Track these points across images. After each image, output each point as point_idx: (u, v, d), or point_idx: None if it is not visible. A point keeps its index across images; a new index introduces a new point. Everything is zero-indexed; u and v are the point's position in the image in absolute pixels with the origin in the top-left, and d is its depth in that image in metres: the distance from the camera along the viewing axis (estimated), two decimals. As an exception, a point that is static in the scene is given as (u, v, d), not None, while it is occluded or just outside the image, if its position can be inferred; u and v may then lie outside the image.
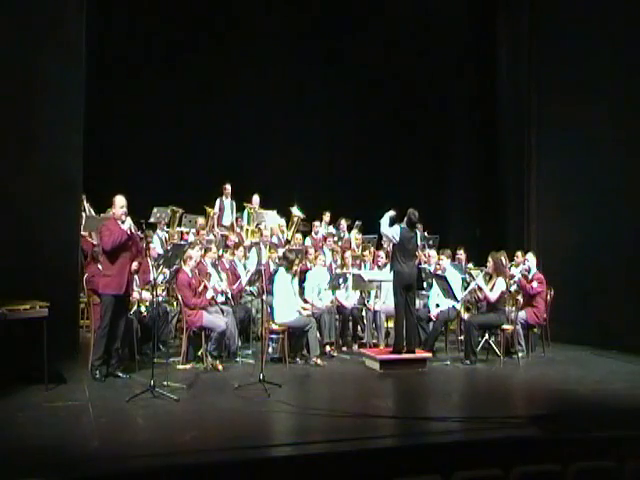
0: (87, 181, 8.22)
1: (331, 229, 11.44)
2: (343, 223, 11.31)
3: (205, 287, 7.65)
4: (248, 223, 10.99)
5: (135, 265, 6.77)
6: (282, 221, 10.89)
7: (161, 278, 8.27)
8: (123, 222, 6.62)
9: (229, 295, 8.40)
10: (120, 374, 6.68)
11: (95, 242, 8.29)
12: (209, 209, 10.82)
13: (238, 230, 10.83)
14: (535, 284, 8.57)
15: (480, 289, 8.29)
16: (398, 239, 7.77)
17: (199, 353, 7.52)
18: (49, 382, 6.13)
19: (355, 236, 11.09)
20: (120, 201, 6.68)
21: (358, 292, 9.05)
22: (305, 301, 8.37)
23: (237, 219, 11.14)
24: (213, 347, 7.38)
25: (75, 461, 4.38)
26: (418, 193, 12.68)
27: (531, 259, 8.91)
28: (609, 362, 8.45)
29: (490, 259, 8.24)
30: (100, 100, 10.18)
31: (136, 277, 7.94)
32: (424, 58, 13.02)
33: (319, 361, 7.81)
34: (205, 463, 4.39)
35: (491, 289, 8.12)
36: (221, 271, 8.40)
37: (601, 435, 5.01)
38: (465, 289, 8.76)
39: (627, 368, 8.03)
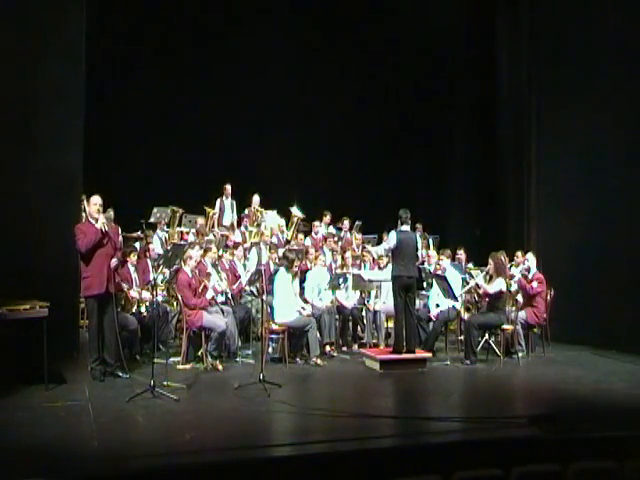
0: (87, 181, 8.22)
1: (331, 229, 11.44)
2: (346, 223, 11.30)
3: (205, 287, 7.65)
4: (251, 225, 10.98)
5: (114, 262, 6.66)
6: (282, 221, 10.88)
7: (161, 278, 8.28)
8: (96, 221, 6.57)
9: (229, 295, 8.40)
10: (120, 374, 6.68)
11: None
12: (209, 209, 10.82)
13: (243, 229, 10.81)
14: (535, 284, 8.57)
15: (478, 287, 8.29)
16: (395, 243, 7.76)
17: (199, 353, 7.53)
18: (49, 382, 6.13)
19: (355, 236, 11.09)
20: (94, 199, 6.65)
21: (358, 292, 9.05)
22: (305, 301, 8.37)
23: (243, 218, 11.12)
24: (213, 347, 7.39)
25: (75, 461, 4.38)
26: (418, 193, 12.72)
27: (531, 259, 8.91)
28: (609, 362, 8.45)
29: (490, 260, 8.24)
30: (100, 100, 10.18)
31: (136, 277, 7.96)
32: (424, 58, 13.03)
33: (319, 361, 7.81)
34: (205, 463, 4.39)
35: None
36: (221, 271, 8.40)
37: (601, 435, 5.01)
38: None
39: (627, 368, 8.03)
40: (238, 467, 4.37)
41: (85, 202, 8.75)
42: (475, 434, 5.25)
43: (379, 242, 10.55)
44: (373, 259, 9.53)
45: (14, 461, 4.34)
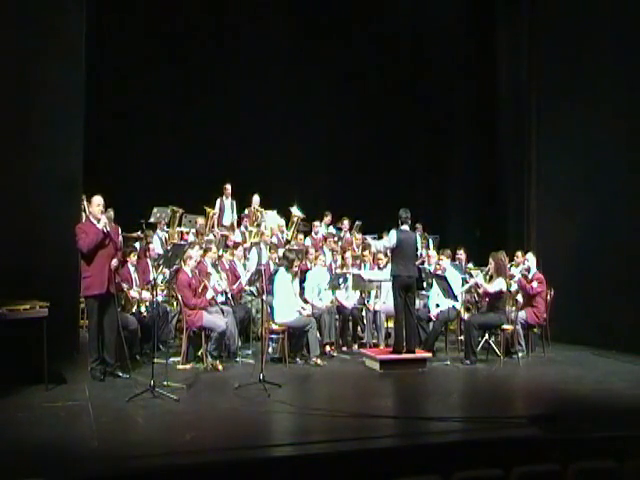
0: (87, 181, 8.22)
1: (331, 229, 11.44)
2: (346, 223, 11.31)
3: (205, 287, 7.65)
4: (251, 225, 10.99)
5: (115, 262, 6.68)
6: (282, 221, 10.89)
7: (161, 278, 8.27)
8: (98, 221, 6.58)
9: (229, 295, 8.40)
10: (120, 374, 6.69)
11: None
12: (209, 209, 10.82)
13: (243, 229, 10.81)
14: (535, 284, 8.57)
15: (479, 286, 8.28)
16: (395, 242, 7.77)
17: (199, 353, 7.53)
18: (49, 382, 6.13)
19: (355, 236, 11.09)
20: (97, 200, 6.65)
21: (358, 292, 9.05)
22: (305, 301, 8.37)
23: (243, 218, 11.13)
24: (213, 347, 7.39)
25: (75, 461, 4.38)
26: (418, 193, 12.73)
27: (531, 259, 8.91)
28: (609, 362, 8.45)
29: (491, 259, 8.23)
30: (100, 100, 10.18)
31: (136, 277, 7.96)
32: (424, 59, 13.03)
33: (319, 361, 7.81)
34: (205, 463, 4.39)
35: (490, 288, 8.13)
36: (221, 271, 8.40)
37: (601, 435, 5.01)
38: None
39: (627, 368, 8.03)
40: (238, 467, 4.37)
41: (85, 202, 8.77)
42: (475, 434, 5.25)
43: (379, 242, 10.56)
44: (373, 258, 9.54)
45: (14, 461, 4.34)
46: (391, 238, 7.85)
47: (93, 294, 6.54)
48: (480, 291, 8.46)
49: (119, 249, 6.92)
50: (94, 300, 6.56)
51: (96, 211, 6.61)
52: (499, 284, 8.05)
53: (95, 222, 6.58)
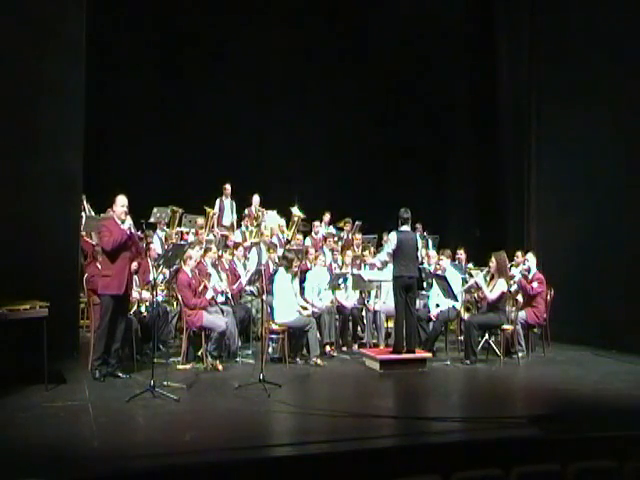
0: (87, 181, 8.22)
1: (331, 229, 11.44)
2: (349, 227, 11.32)
3: (205, 287, 7.65)
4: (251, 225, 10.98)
5: (135, 265, 6.76)
6: (282, 221, 10.89)
7: (161, 278, 8.28)
8: (123, 222, 6.63)
9: (229, 295, 8.40)
10: (120, 374, 6.68)
11: (94, 242, 8.30)
12: (209, 209, 10.82)
13: (243, 229, 10.81)
14: (535, 284, 8.57)
15: (479, 288, 8.28)
16: (395, 244, 7.76)
17: (199, 353, 7.53)
18: (49, 382, 6.13)
19: (355, 236, 11.10)
20: (121, 200, 6.68)
21: (358, 292, 9.05)
22: (305, 301, 8.37)
23: (244, 217, 11.12)
24: (213, 347, 7.39)
25: (75, 461, 4.37)
26: (418, 193, 12.69)
27: (531, 259, 8.91)
28: (609, 362, 8.45)
29: (494, 259, 8.21)
30: (100, 100, 10.18)
31: (136, 277, 7.95)
32: (424, 58, 13.02)
33: (319, 361, 7.81)
34: (205, 463, 4.39)
35: (491, 290, 8.11)
36: (221, 271, 8.40)
37: (601, 435, 5.01)
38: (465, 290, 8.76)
39: (627, 368, 8.03)
40: (238, 467, 4.36)
41: (85, 202, 8.78)
42: (475, 434, 5.24)
43: (379, 242, 10.55)
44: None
45: (14, 461, 4.34)
46: (391, 241, 7.84)
47: (111, 294, 6.54)
48: (480, 294, 8.44)
49: (139, 250, 6.95)
50: (110, 299, 6.56)
51: (120, 211, 6.63)
52: (499, 287, 8.03)
53: (119, 222, 6.61)
